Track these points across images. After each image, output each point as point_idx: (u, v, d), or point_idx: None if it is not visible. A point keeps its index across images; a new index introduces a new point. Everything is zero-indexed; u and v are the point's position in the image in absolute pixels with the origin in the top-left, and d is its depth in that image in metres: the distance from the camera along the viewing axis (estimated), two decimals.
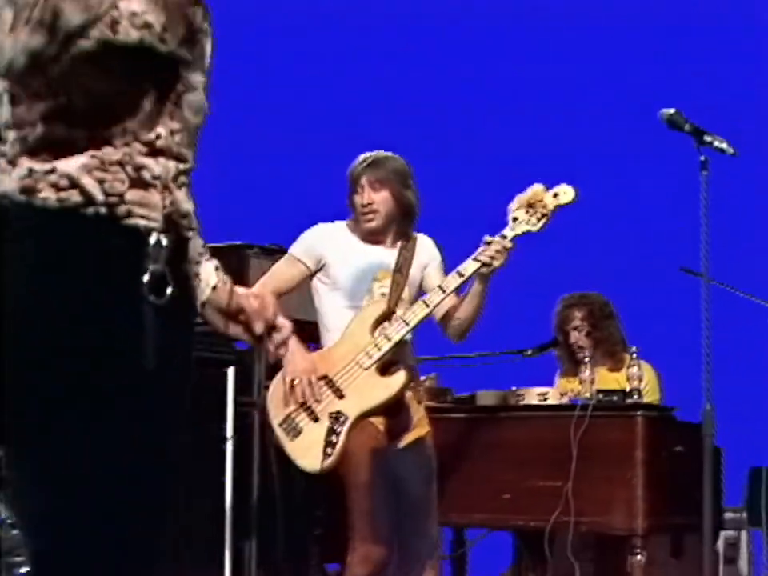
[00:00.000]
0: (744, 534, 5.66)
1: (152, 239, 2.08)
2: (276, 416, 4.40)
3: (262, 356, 5.45)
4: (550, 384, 5.67)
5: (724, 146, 3.71)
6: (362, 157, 4.54)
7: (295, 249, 4.53)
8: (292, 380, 4.36)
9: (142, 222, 2.08)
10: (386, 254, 4.48)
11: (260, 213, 7.65)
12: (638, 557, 4.77)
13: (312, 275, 4.50)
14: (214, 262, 2.38)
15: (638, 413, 4.91)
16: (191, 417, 2.22)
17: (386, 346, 4.30)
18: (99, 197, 2.04)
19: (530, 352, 5.70)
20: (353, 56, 8.53)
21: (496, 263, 4.21)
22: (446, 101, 8.53)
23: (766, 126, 7.16)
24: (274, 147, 8.07)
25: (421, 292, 4.49)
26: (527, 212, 4.27)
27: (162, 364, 2.09)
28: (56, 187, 2.03)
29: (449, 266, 4.66)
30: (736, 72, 7.90)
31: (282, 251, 5.32)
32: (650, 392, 5.34)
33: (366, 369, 4.34)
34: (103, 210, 2.05)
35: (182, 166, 2.19)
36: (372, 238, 4.47)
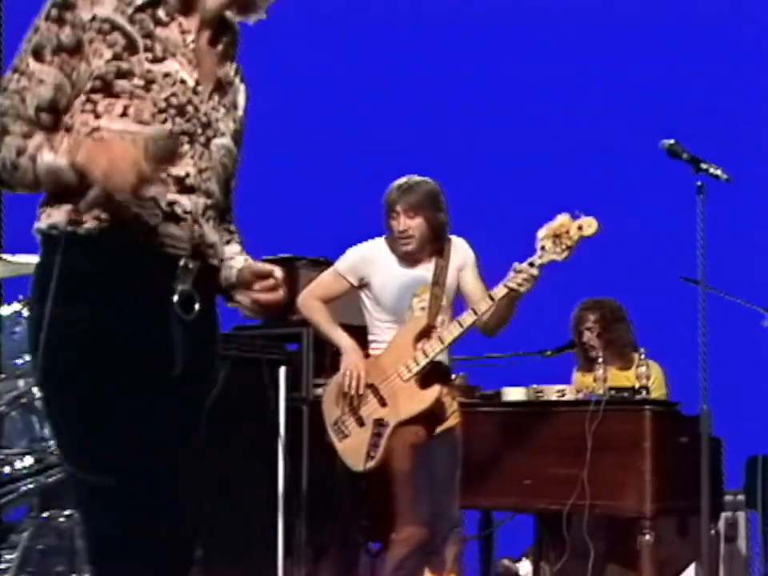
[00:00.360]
0: (742, 515, 5.80)
1: (181, 263, 2.28)
2: (329, 417, 4.70)
3: (307, 356, 5.87)
4: (568, 381, 5.85)
5: (719, 172, 3.84)
6: (395, 183, 4.70)
7: (340, 266, 4.76)
8: (344, 385, 4.64)
9: (171, 251, 2.28)
10: (424, 271, 4.69)
11: (308, 227, 7.63)
12: (647, 537, 4.98)
13: (357, 288, 4.73)
14: (238, 246, 2.59)
15: (646, 407, 5.12)
16: (220, 410, 2.53)
17: (423, 362, 4.52)
18: (135, 229, 2.25)
19: (549, 353, 6.06)
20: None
21: (523, 289, 4.38)
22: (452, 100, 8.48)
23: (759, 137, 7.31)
24: (320, 168, 8.10)
25: (459, 294, 4.69)
26: (554, 242, 4.38)
27: (188, 370, 2.31)
28: (98, 219, 2.22)
29: None
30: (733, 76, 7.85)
31: (328, 263, 5.63)
32: (657, 388, 5.50)
33: (406, 381, 4.55)
34: (140, 238, 2.25)
35: (209, 202, 2.37)
36: (410, 258, 4.67)
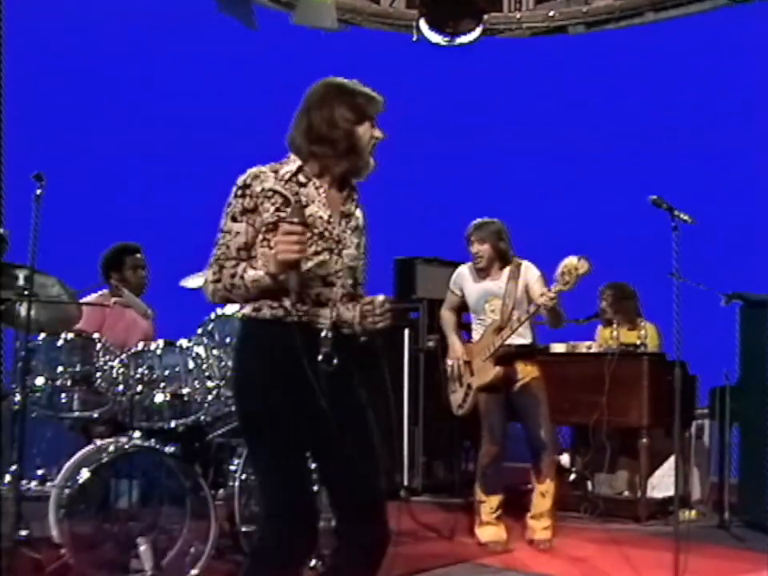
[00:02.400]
0: (707, 423, 6.63)
1: (323, 334, 2.81)
2: (448, 383, 5.65)
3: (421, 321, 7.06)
4: (592, 338, 6.99)
5: (686, 217, 4.19)
6: (472, 223, 5.51)
7: (451, 284, 5.71)
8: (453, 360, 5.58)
9: (318, 326, 2.81)
10: (492, 285, 5.50)
11: (424, 231, 8.24)
12: (644, 440, 6.19)
13: (462, 297, 5.63)
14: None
15: (644, 357, 6.30)
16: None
17: (492, 350, 5.37)
18: (293, 312, 2.78)
19: (582, 320, 7.00)
20: None
21: (547, 306, 5.04)
22: None
23: None
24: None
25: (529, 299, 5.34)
26: (562, 278, 4.96)
27: (332, 404, 2.75)
28: (270, 308, 2.81)
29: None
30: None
31: (438, 261, 6.99)
32: (652, 342, 6.65)
33: (485, 360, 5.43)
34: (295, 318, 2.79)
35: (343, 291, 2.88)
36: (481, 274, 5.53)
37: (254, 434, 2.84)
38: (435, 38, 8.46)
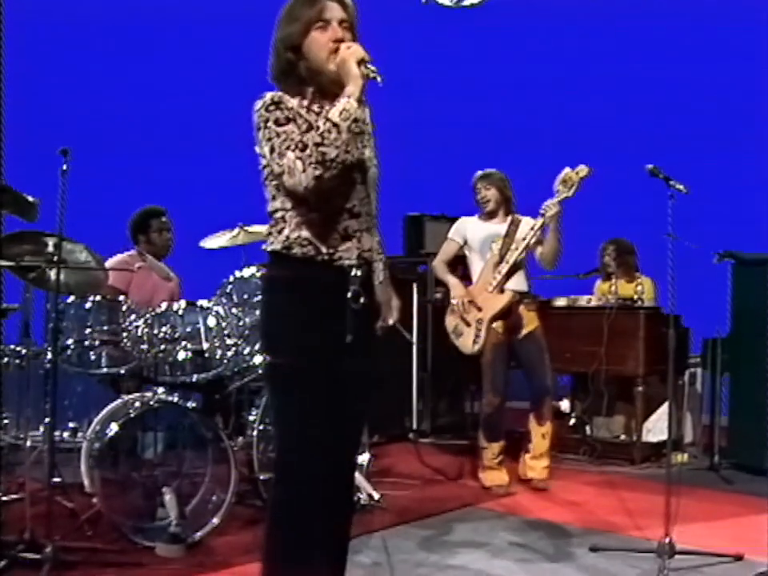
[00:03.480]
0: (699, 370, 6.70)
1: (352, 272, 2.71)
2: (450, 327, 5.66)
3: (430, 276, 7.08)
4: (591, 291, 7.07)
5: (681, 187, 4.12)
6: (477, 173, 5.62)
7: (451, 233, 5.77)
8: (455, 306, 5.56)
9: (347, 263, 2.70)
10: (499, 227, 5.57)
11: (431, 189, 8.19)
12: (640, 387, 6.34)
13: (462, 247, 5.70)
14: (383, 262, 2.92)
15: (641, 311, 6.40)
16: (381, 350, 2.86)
17: (499, 277, 5.44)
18: (324, 250, 2.67)
19: (582, 275, 7.19)
20: None
21: (550, 216, 5.09)
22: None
23: None
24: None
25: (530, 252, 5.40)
26: (563, 185, 5.01)
27: (357, 339, 2.71)
28: (301, 246, 2.67)
29: None
30: None
31: (445, 217, 7.02)
32: (648, 295, 6.68)
33: (491, 292, 5.48)
34: (326, 257, 2.68)
35: (368, 220, 2.75)
36: (489, 217, 5.62)
37: (285, 373, 2.68)
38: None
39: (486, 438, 5.65)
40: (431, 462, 6.42)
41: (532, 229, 5.28)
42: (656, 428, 6.61)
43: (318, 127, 2.52)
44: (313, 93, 2.74)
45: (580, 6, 8.40)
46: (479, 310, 5.52)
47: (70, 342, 4.53)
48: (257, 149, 2.66)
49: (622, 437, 6.77)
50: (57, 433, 4.27)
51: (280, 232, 2.68)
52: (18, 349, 4.67)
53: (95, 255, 4.52)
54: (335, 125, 2.49)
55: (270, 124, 2.58)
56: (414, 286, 7.27)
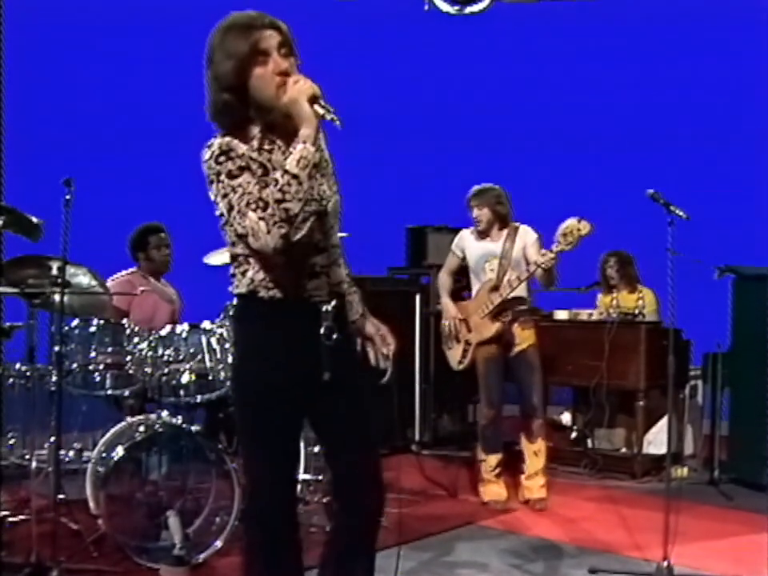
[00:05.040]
0: (700, 383, 6.69)
1: (323, 308, 2.59)
2: (444, 340, 5.75)
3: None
4: (593, 305, 7.05)
5: (681, 213, 4.10)
6: (471, 189, 5.52)
7: (453, 246, 5.74)
8: (448, 320, 5.62)
9: (317, 299, 2.58)
10: (492, 245, 5.50)
11: (432, 202, 7.89)
12: (641, 402, 6.33)
13: (463, 259, 5.66)
14: (358, 295, 2.84)
15: (642, 324, 6.38)
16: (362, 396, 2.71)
17: (491, 306, 5.40)
18: (291, 291, 2.54)
19: (583, 288, 7.19)
20: None
21: (547, 266, 5.04)
22: None
23: None
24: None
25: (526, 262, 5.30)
26: (564, 238, 4.95)
27: (334, 377, 2.60)
28: (267, 288, 2.55)
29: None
30: None
31: (447, 229, 6.94)
32: (649, 307, 6.67)
33: (482, 318, 5.46)
34: (295, 297, 2.56)
35: (334, 252, 2.64)
36: (482, 235, 5.54)
37: (251, 408, 2.59)
38: (446, 6, 8.38)
39: (484, 450, 5.64)
40: (433, 475, 6.40)
41: (527, 271, 5.25)
42: (657, 440, 6.58)
43: (276, 181, 2.36)
44: (261, 130, 2.55)
45: (580, 9, 8.47)
46: (469, 330, 5.55)
47: (74, 366, 4.53)
48: (211, 196, 2.50)
49: (623, 449, 6.75)
50: (62, 451, 4.31)
51: (244, 274, 2.57)
52: (24, 369, 4.69)
53: (98, 278, 4.53)
54: (295, 176, 2.36)
55: (222, 178, 2.43)
56: (417, 297, 7.33)
